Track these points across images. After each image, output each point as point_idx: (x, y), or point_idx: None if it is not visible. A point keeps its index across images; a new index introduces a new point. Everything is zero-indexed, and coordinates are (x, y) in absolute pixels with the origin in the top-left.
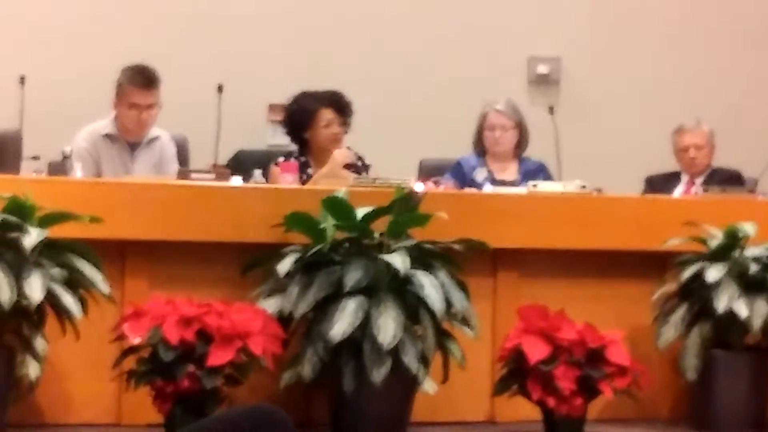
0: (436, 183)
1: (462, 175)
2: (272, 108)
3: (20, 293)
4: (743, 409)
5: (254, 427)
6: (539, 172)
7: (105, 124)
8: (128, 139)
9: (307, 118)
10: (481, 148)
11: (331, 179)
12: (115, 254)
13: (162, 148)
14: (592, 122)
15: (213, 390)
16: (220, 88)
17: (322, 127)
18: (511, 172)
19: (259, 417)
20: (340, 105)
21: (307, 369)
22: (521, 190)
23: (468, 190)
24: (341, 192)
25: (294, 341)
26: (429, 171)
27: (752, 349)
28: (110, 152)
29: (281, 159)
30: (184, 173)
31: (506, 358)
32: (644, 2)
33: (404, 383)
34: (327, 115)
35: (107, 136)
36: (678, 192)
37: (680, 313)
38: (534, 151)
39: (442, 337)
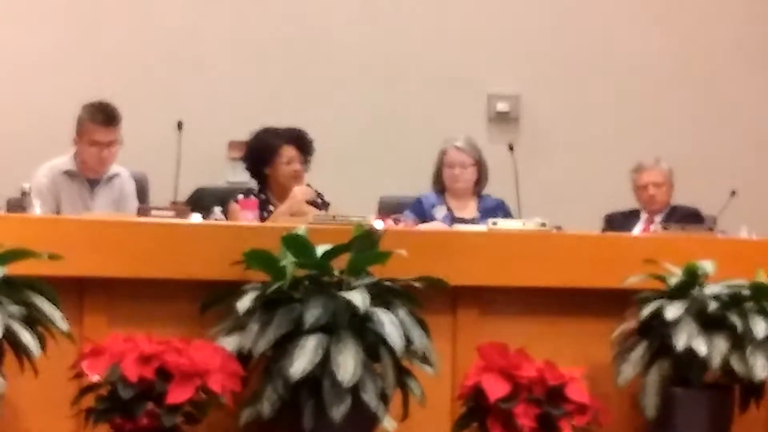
0: (396, 221)
1: (422, 213)
2: (232, 145)
3: None
4: None
5: None
6: (498, 209)
7: (65, 160)
8: (88, 176)
9: (269, 154)
10: (440, 186)
11: (291, 216)
12: (74, 291)
13: (122, 186)
14: (552, 160)
15: (172, 428)
16: (179, 125)
17: (283, 163)
18: (470, 209)
19: None
20: (302, 142)
21: (266, 407)
22: (481, 227)
23: (427, 227)
24: (301, 229)
25: (253, 379)
26: (388, 208)
27: (712, 386)
28: (70, 189)
29: (241, 196)
30: (143, 210)
31: (466, 395)
32: (603, 41)
33: (364, 421)
34: (289, 152)
35: (67, 172)
36: (637, 229)
37: (640, 350)
38: (493, 189)
39: (402, 374)
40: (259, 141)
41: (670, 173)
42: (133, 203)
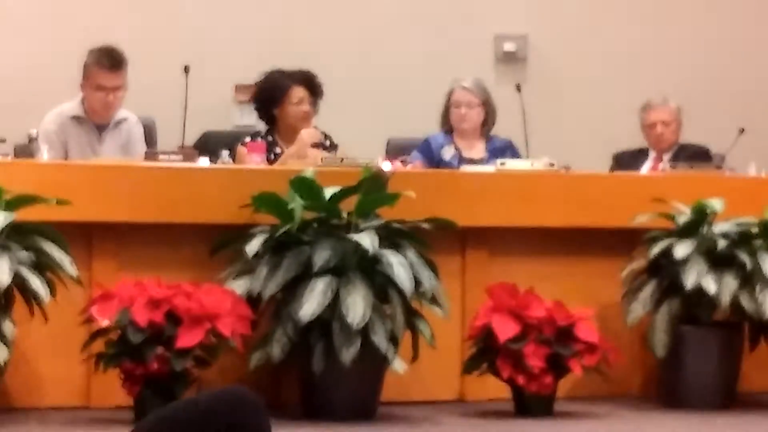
0: (404, 162)
1: (430, 153)
2: (239, 88)
3: None
4: (713, 384)
5: (227, 410)
6: (507, 149)
7: (72, 106)
8: (95, 121)
9: (279, 94)
10: (448, 126)
11: (299, 159)
12: (83, 237)
13: (129, 130)
14: (560, 99)
15: (182, 372)
16: (186, 69)
17: (293, 104)
18: (478, 150)
19: (231, 399)
20: (311, 84)
21: (276, 350)
22: (489, 168)
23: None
24: (309, 172)
25: (263, 322)
26: (396, 150)
27: (721, 324)
28: (78, 134)
29: (248, 139)
30: (151, 155)
31: (476, 336)
32: None
33: (374, 363)
34: (299, 92)
35: (74, 118)
36: (645, 168)
37: (649, 289)
38: (501, 129)
39: (412, 316)
40: (269, 81)
41: (679, 111)
42: (141, 148)
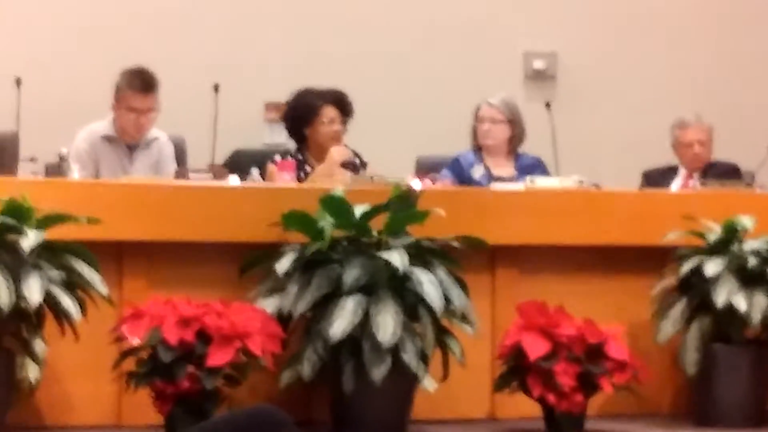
0: (433, 180)
1: (460, 172)
2: (269, 107)
3: (19, 295)
4: (744, 402)
5: (256, 428)
6: (536, 167)
7: (104, 125)
8: (126, 141)
9: (310, 114)
10: (477, 144)
11: (329, 177)
12: (113, 255)
13: (160, 149)
14: (589, 117)
15: (213, 390)
16: (216, 88)
17: (324, 124)
18: (507, 168)
19: (261, 417)
20: (342, 103)
21: (306, 368)
22: (518, 186)
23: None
24: (339, 190)
25: (293, 340)
26: (425, 168)
27: (752, 342)
28: (109, 154)
29: (278, 158)
30: (181, 173)
31: (506, 355)
32: None
33: (404, 381)
34: (330, 112)
35: (105, 137)
36: (676, 186)
37: (680, 307)
38: (531, 147)
39: (442, 334)
40: (300, 101)
41: (711, 130)
42: (172, 166)
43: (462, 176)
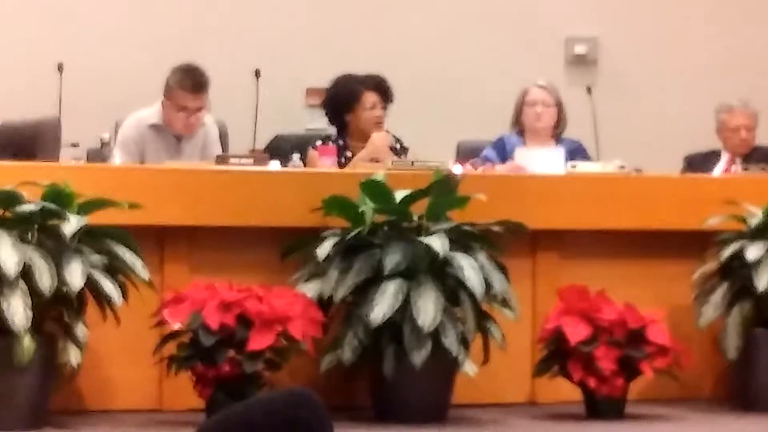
0: (474, 165)
1: (504, 152)
2: (310, 92)
3: (61, 280)
4: None
5: (289, 410)
6: (577, 152)
7: (152, 113)
8: (174, 132)
9: (351, 100)
10: (519, 127)
11: (370, 163)
12: (155, 240)
13: (206, 134)
14: (630, 102)
15: (254, 374)
16: (257, 73)
17: (365, 109)
18: None
19: (293, 400)
20: (383, 89)
21: (347, 353)
22: (560, 170)
23: (507, 168)
24: (380, 175)
25: (334, 325)
26: (466, 153)
27: None
28: (156, 143)
29: (319, 143)
30: (222, 158)
31: (547, 339)
32: None
33: (445, 366)
34: (371, 98)
35: (153, 126)
36: (718, 170)
37: (721, 292)
38: (572, 132)
39: (482, 319)
40: (341, 87)
41: (757, 115)
42: (217, 149)
43: (505, 157)
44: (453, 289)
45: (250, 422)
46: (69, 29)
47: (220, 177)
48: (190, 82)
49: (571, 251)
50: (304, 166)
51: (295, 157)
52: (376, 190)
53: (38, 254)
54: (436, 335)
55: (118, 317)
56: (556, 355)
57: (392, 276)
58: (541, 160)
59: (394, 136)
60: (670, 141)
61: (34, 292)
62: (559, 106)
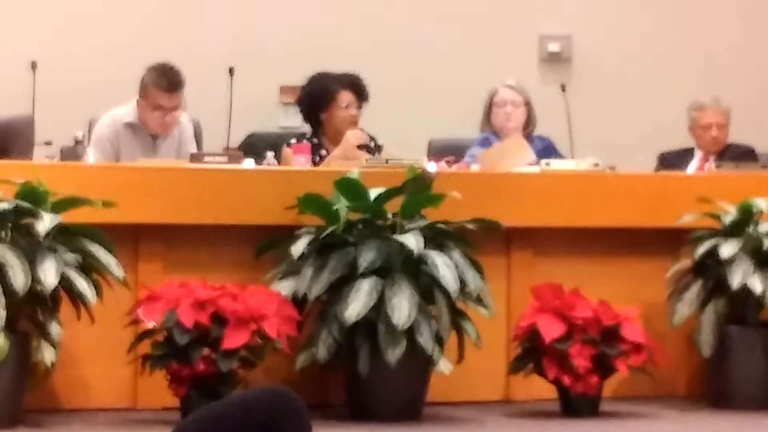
0: (449, 162)
1: None
2: (284, 90)
3: (34, 278)
4: (759, 384)
5: (266, 408)
6: (549, 150)
7: (127, 112)
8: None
9: (327, 98)
10: (488, 127)
11: (345, 161)
12: (129, 238)
13: (181, 132)
14: (604, 99)
15: (228, 373)
16: (231, 71)
17: (340, 108)
18: None
19: (271, 398)
20: (359, 88)
21: (322, 351)
22: (534, 168)
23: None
24: (354, 173)
25: (308, 323)
26: (438, 151)
27: (767, 324)
28: (131, 141)
29: (293, 141)
30: (196, 156)
31: (521, 337)
32: None
33: (419, 363)
34: (346, 97)
35: (129, 125)
36: (691, 168)
37: (695, 289)
38: (546, 130)
39: (457, 316)
40: (316, 85)
41: (729, 113)
42: (193, 147)
43: None
44: (428, 287)
45: (228, 421)
46: (42, 27)
47: (194, 175)
48: (165, 81)
49: (546, 249)
50: (279, 164)
51: (270, 155)
52: (351, 188)
53: (12, 253)
54: (410, 333)
55: (93, 316)
56: (531, 352)
57: (367, 274)
58: (507, 153)
59: (369, 135)
60: (644, 139)
61: (7, 290)
62: (528, 105)
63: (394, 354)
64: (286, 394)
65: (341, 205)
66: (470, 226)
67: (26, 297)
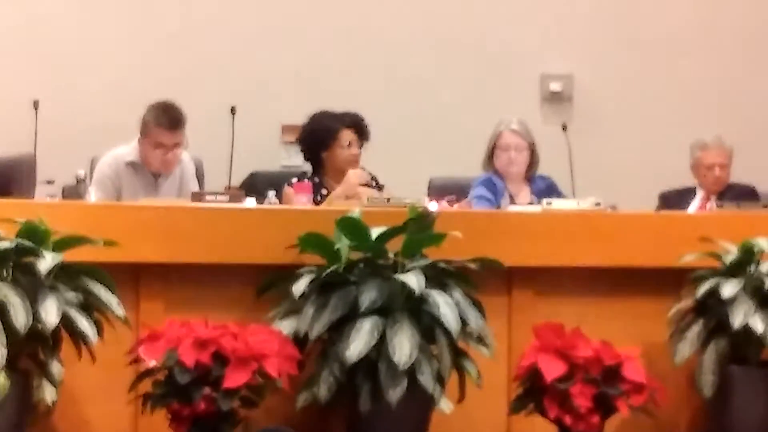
0: (451, 202)
1: (494, 191)
2: (285, 129)
3: (36, 317)
4: (761, 424)
5: None
6: (550, 189)
7: (128, 150)
8: (151, 170)
9: (328, 137)
10: (491, 169)
11: (346, 200)
12: (130, 277)
13: (183, 171)
14: (606, 139)
15: (229, 412)
16: (233, 110)
17: (342, 147)
18: (524, 194)
19: None
20: (360, 126)
21: (323, 390)
22: (535, 208)
23: (481, 209)
24: (355, 212)
25: (309, 362)
26: (438, 189)
27: None
28: (133, 180)
29: (295, 180)
30: (198, 196)
31: (522, 376)
32: (655, 17)
33: (420, 403)
34: (348, 135)
35: (131, 164)
36: (693, 208)
37: (696, 329)
38: (548, 169)
39: (458, 356)
40: (318, 124)
41: (732, 153)
42: (195, 186)
43: (495, 196)
44: (429, 326)
45: None
46: (44, 66)
47: (195, 214)
48: (166, 119)
49: (547, 288)
50: (280, 203)
51: (271, 194)
52: (352, 227)
53: (13, 291)
54: (411, 372)
55: (94, 355)
56: (532, 392)
57: (368, 313)
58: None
59: (370, 174)
60: (645, 178)
61: (8, 329)
62: (532, 147)
63: (395, 393)
64: None
65: (342, 244)
66: (472, 265)
67: (27, 336)
